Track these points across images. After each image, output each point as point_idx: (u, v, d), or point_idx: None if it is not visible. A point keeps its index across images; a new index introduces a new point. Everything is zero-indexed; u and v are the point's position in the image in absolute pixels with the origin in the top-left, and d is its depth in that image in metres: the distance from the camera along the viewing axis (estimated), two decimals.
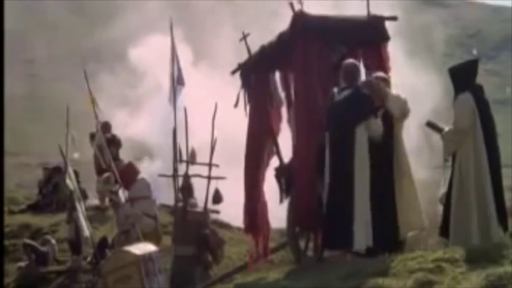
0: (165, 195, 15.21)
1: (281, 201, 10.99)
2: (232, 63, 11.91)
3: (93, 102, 14.13)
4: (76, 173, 14.58)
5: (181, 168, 13.68)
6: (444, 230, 9.56)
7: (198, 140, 13.90)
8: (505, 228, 9.41)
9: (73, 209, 15.38)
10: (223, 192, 13.47)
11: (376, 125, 9.83)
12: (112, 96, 33.73)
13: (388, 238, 9.60)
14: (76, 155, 14.11)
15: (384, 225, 9.60)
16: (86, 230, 14.00)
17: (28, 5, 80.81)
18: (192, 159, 13.52)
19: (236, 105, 11.51)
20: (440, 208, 9.74)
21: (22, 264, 16.27)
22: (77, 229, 15.47)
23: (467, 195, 9.34)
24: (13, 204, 20.43)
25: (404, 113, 10.06)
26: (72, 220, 15.68)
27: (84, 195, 16.06)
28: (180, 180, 13.64)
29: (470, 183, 9.36)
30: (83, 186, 17.12)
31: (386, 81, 10.19)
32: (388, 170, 9.88)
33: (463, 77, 9.61)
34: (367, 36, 10.69)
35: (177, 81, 14.00)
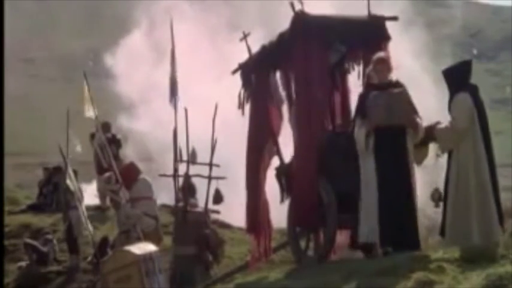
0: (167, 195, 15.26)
1: (282, 201, 11.00)
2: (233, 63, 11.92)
3: (93, 101, 14.14)
4: (75, 172, 14.62)
5: (182, 168, 13.72)
6: (443, 230, 9.55)
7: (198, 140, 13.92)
8: (502, 228, 9.46)
9: (68, 208, 15.48)
10: (224, 192, 13.50)
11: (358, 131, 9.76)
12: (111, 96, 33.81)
13: (408, 237, 9.46)
14: (78, 148, 14.15)
15: (402, 224, 9.48)
16: (86, 230, 14.05)
17: (28, 5, 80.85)
18: (192, 159, 13.54)
19: (239, 106, 11.52)
20: (431, 204, 9.75)
21: (22, 264, 16.31)
22: (71, 228, 15.55)
23: (466, 195, 9.33)
24: (13, 204, 20.44)
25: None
26: (67, 219, 15.77)
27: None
28: (181, 180, 13.66)
29: (469, 182, 9.35)
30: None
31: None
32: (405, 170, 9.71)
33: (458, 78, 9.64)
34: (368, 36, 10.69)
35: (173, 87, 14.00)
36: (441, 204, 9.64)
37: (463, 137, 9.43)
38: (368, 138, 9.57)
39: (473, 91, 9.63)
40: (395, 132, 9.60)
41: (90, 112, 13.81)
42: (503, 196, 9.71)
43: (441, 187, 9.65)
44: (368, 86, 9.98)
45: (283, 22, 10.89)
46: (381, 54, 10.06)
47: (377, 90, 9.71)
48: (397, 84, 9.77)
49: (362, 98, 9.86)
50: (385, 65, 9.84)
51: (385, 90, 9.67)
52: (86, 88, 13.89)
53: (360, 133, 9.64)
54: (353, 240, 10.43)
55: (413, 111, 9.72)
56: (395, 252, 9.16)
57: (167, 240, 13.81)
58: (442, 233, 9.55)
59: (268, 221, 11.49)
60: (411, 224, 9.51)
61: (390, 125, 9.55)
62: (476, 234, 9.17)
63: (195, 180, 13.80)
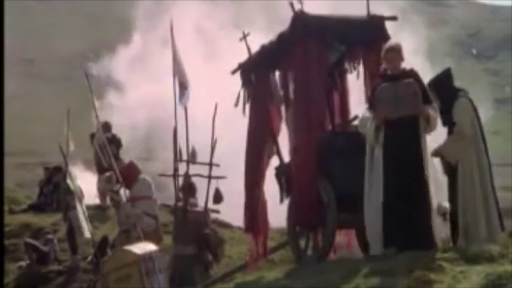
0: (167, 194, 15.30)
1: (281, 200, 11.01)
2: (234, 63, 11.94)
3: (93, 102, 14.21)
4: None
5: (182, 168, 13.75)
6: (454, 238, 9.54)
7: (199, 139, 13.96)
8: (502, 227, 9.50)
9: (67, 208, 15.52)
10: (224, 191, 13.54)
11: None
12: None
13: (420, 238, 9.17)
14: (72, 148, 14.25)
15: (414, 225, 9.24)
16: (86, 230, 14.08)
17: (29, 5, 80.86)
18: (192, 159, 13.57)
19: (236, 104, 11.54)
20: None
21: (23, 263, 16.34)
22: (71, 228, 15.60)
23: (474, 199, 9.36)
24: (14, 204, 20.51)
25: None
26: (67, 219, 15.81)
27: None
28: (181, 180, 13.70)
29: (475, 186, 9.39)
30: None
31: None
32: (417, 169, 9.39)
33: (449, 86, 9.67)
34: (367, 36, 10.70)
35: (180, 83, 14.00)
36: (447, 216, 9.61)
37: (468, 143, 9.47)
38: (378, 132, 9.42)
39: (467, 95, 9.70)
40: (406, 124, 9.38)
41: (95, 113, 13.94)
42: (504, 196, 9.75)
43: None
44: (380, 76, 9.79)
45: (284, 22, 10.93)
46: (391, 42, 9.92)
47: (388, 81, 9.53)
48: (411, 73, 9.58)
49: (373, 89, 9.77)
50: (395, 53, 9.62)
51: (394, 82, 9.46)
52: (89, 89, 13.96)
53: (369, 127, 9.47)
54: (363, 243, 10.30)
55: (426, 100, 9.46)
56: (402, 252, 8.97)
57: (167, 240, 13.84)
58: (455, 241, 9.52)
59: (266, 221, 11.52)
60: (422, 222, 9.22)
61: (399, 117, 9.36)
62: (484, 235, 9.22)
63: (195, 179, 13.84)
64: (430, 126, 9.45)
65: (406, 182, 9.27)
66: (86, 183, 17.40)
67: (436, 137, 9.71)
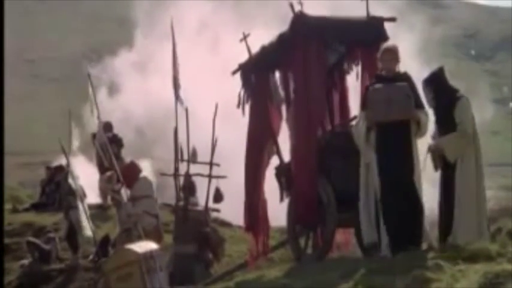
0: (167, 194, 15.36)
1: (281, 200, 11.07)
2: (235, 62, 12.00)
3: (95, 101, 14.28)
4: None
5: (183, 168, 13.82)
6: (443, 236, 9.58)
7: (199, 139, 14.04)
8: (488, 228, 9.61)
9: (69, 207, 15.58)
10: (224, 190, 13.61)
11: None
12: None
13: (410, 236, 9.26)
14: (73, 147, 14.32)
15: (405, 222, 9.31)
16: (88, 229, 14.14)
17: (29, 5, 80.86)
18: (193, 158, 13.64)
19: (238, 105, 11.60)
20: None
21: (25, 261, 16.39)
22: (71, 228, 15.65)
23: (471, 197, 9.42)
24: (16, 203, 20.58)
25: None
26: (68, 218, 15.87)
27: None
28: (181, 179, 13.76)
29: (473, 184, 9.45)
30: None
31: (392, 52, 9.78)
32: (408, 172, 9.43)
33: (445, 83, 9.68)
34: (366, 37, 10.76)
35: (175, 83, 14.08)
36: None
37: (469, 142, 9.51)
38: (369, 133, 9.44)
39: (465, 96, 9.73)
40: (398, 127, 9.40)
41: (94, 112, 13.98)
42: (504, 196, 9.79)
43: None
44: (375, 77, 9.82)
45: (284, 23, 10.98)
46: (388, 44, 9.95)
47: (382, 82, 9.52)
48: (404, 76, 9.60)
49: (366, 90, 9.78)
50: (392, 55, 9.64)
51: (387, 84, 9.46)
52: (90, 89, 14.03)
53: (361, 127, 9.52)
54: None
55: (418, 105, 9.47)
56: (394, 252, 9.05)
57: (168, 239, 13.90)
58: (443, 238, 9.56)
59: (266, 220, 11.58)
60: (413, 220, 9.28)
61: (390, 120, 9.37)
62: (486, 233, 9.30)
63: (195, 179, 13.91)
64: (420, 131, 9.49)
65: (397, 185, 9.33)
66: (87, 176, 17.49)
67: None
